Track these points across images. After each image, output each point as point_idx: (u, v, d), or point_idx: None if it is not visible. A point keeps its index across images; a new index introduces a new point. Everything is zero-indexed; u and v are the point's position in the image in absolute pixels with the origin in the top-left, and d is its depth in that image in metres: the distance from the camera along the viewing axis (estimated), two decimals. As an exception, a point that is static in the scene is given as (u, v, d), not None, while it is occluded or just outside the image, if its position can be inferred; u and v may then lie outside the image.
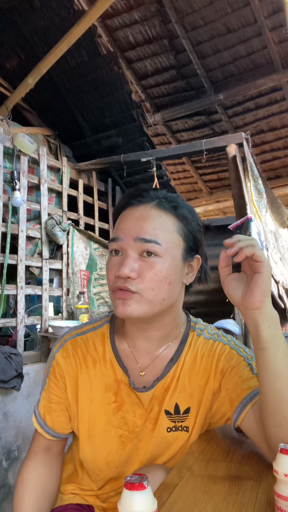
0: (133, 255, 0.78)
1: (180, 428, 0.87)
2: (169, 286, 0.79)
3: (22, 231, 2.77)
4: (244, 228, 2.65)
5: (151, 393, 0.86)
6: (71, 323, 2.69)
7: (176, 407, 0.86)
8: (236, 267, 0.75)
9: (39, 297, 2.94)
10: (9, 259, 2.61)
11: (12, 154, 2.79)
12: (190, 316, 0.96)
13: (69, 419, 0.92)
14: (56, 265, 3.06)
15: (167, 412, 0.86)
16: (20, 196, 2.69)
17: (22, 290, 2.70)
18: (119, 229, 0.81)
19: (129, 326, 0.89)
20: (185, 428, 0.87)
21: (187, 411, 0.87)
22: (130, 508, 0.49)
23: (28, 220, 2.95)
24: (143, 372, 0.88)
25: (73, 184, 3.46)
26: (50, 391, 0.92)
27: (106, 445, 0.87)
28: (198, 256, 0.86)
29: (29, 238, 2.87)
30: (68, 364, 0.90)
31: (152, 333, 0.87)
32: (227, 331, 2.52)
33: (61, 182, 3.27)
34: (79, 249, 3.30)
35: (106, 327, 0.93)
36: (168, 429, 0.86)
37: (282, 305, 3.07)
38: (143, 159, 3.16)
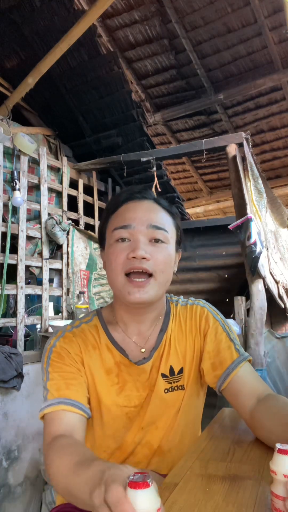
0: (144, 240, 0.87)
1: (176, 388, 0.96)
2: (171, 270, 0.92)
3: (22, 231, 2.77)
4: (244, 228, 2.66)
5: (150, 363, 0.95)
6: (71, 323, 2.69)
7: (171, 369, 0.96)
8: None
9: (39, 297, 2.94)
10: (9, 259, 2.61)
11: (12, 154, 2.79)
12: None
13: (87, 394, 0.90)
14: (56, 265, 3.06)
15: (163, 375, 0.95)
16: (20, 196, 2.69)
17: (22, 290, 2.70)
18: (129, 218, 0.89)
19: (124, 313, 0.96)
20: (180, 387, 0.97)
21: (180, 371, 0.97)
22: (135, 507, 0.49)
23: (28, 220, 2.95)
24: (144, 349, 0.96)
25: (73, 184, 3.46)
26: (62, 372, 0.87)
27: (113, 424, 0.93)
28: (181, 249, 1.00)
29: (29, 238, 2.87)
30: (73, 347, 0.92)
31: (147, 315, 0.96)
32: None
33: (61, 182, 3.27)
34: (79, 249, 3.30)
35: (96, 319, 1.00)
36: (165, 390, 0.95)
37: (282, 305, 3.07)
38: (143, 159, 3.15)
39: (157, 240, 0.88)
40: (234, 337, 0.98)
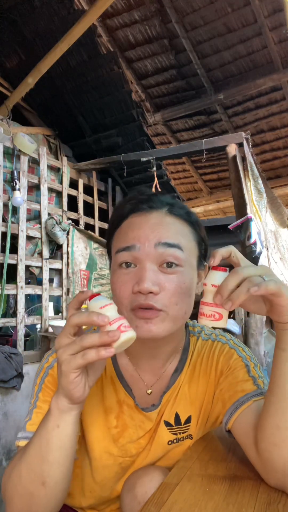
0: (152, 267, 0.69)
1: (182, 439, 0.82)
2: (190, 299, 0.73)
3: (22, 230, 2.77)
4: (244, 228, 2.66)
5: (158, 410, 0.81)
6: (71, 323, 2.69)
7: (177, 417, 0.81)
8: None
9: (39, 297, 2.94)
10: (9, 259, 2.61)
11: (12, 154, 2.79)
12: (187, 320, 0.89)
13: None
14: (56, 264, 3.06)
15: (167, 424, 0.81)
16: (20, 196, 2.69)
17: (22, 289, 2.70)
18: (132, 237, 0.70)
19: (134, 344, 0.81)
20: (189, 436, 0.83)
21: (188, 420, 0.82)
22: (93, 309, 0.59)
23: (28, 219, 2.95)
24: (150, 390, 0.82)
25: (73, 184, 3.46)
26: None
27: (103, 471, 0.81)
28: (206, 263, 0.80)
29: (29, 238, 2.88)
30: None
31: (162, 349, 0.79)
32: (227, 331, 2.52)
33: (61, 182, 3.27)
34: (79, 248, 3.30)
35: None
36: (169, 442, 0.81)
37: (282, 305, 3.07)
38: (143, 159, 3.15)
39: (169, 265, 0.69)
40: (260, 376, 0.79)
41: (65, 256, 3.13)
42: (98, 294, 0.60)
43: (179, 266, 0.70)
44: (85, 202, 3.54)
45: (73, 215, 3.34)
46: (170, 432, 0.81)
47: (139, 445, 0.81)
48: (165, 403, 0.81)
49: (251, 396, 0.74)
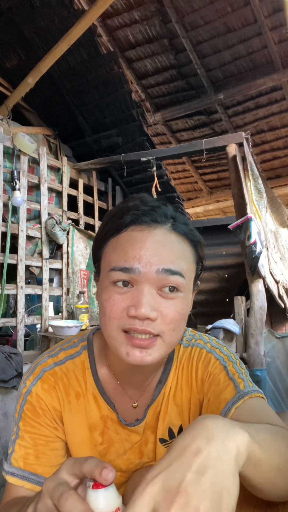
0: (151, 291, 0.64)
1: None
2: (185, 323, 0.69)
3: (22, 230, 2.77)
4: (244, 228, 2.66)
5: (144, 423, 0.79)
6: (71, 323, 2.69)
7: (170, 432, 0.80)
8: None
9: (39, 297, 2.94)
10: (9, 259, 2.61)
11: (12, 154, 2.79)
12: None
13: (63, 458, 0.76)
14: (56, 264, 3.06)
15: (162, 441, 0.79)
16: (20, 196, 2.69)
17: (22, 289, 2.69)
18: (133, 257, 0.64)
19: (118, 362, 0.77)
20: None
21: (180, 429, 0.81)
22: (96, 506, 0.44)
23: (28, 219, 2.95)
24: (136, 404, 0.79)
25: (73, 184, 3.46)
26: (34, 433, 0.74)
27: None
28: (199, 282, 0.77)
29: (29, 238, 2.87)
30: (53, 398, 0.75)
31: (147, 366, 0.75)
32: (227, 331, 2.52)
33: (61, 182, 3.27)
34: (79, 248, 3.30)
35: (85, 355, 0.80)
36: None
37: (282, 305, 3.07)
38: (143, 159, 3.15)
39: (170, 289, 0.65)
40: (240, 373, 0.76)
41: (65, 256, 3.13)
42: (108, 483, 0.44)
43: (179, 291, 0.66)
44: (85, 202, 3.54)
45: (73, 215, 3.34)
46: (166, 447, 0.79)
47: (128, 460, 0.79)
48: (154, 416, 0.79)
49: (232, 404, 0.70)
